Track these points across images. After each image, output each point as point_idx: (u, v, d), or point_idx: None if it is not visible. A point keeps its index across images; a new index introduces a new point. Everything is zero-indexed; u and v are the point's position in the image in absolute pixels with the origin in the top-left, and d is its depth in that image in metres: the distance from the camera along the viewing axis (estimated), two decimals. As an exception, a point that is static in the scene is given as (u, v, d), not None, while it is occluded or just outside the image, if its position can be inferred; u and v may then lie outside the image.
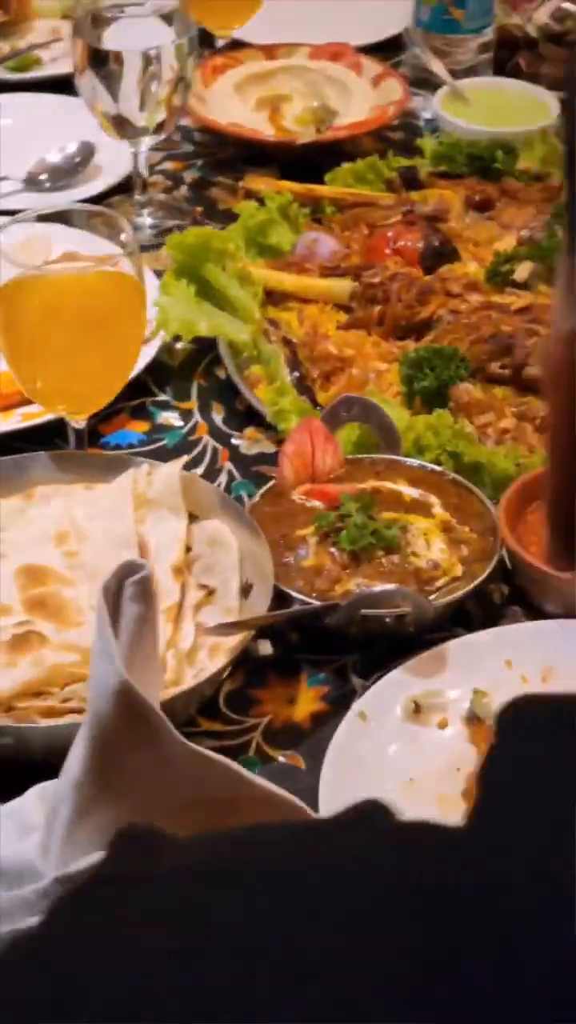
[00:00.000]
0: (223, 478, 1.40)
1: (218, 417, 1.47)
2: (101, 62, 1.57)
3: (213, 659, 1.17)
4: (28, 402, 1.40)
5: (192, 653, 1.17)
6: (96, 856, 0.82)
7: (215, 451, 1.43)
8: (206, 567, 1.23)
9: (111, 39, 1.58)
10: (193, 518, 1.26)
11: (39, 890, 0.87)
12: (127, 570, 0.90)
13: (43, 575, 1.20)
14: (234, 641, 1.15)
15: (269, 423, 1.42)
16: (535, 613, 1.25)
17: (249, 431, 1.44)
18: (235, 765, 0.89)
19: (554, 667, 1.17)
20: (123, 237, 1.28)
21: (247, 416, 1.46)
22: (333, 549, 1.22)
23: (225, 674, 1.15)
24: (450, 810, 1.07)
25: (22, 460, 1.31)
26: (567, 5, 1.99)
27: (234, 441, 1.44)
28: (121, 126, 1.60)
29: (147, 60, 1.56)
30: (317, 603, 1.18)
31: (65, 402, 1.33)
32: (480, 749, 1.12)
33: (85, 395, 1.34)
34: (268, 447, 1.42)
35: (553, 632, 1.20)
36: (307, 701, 1.19)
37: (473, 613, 1.25)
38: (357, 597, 1.17)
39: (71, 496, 1.29)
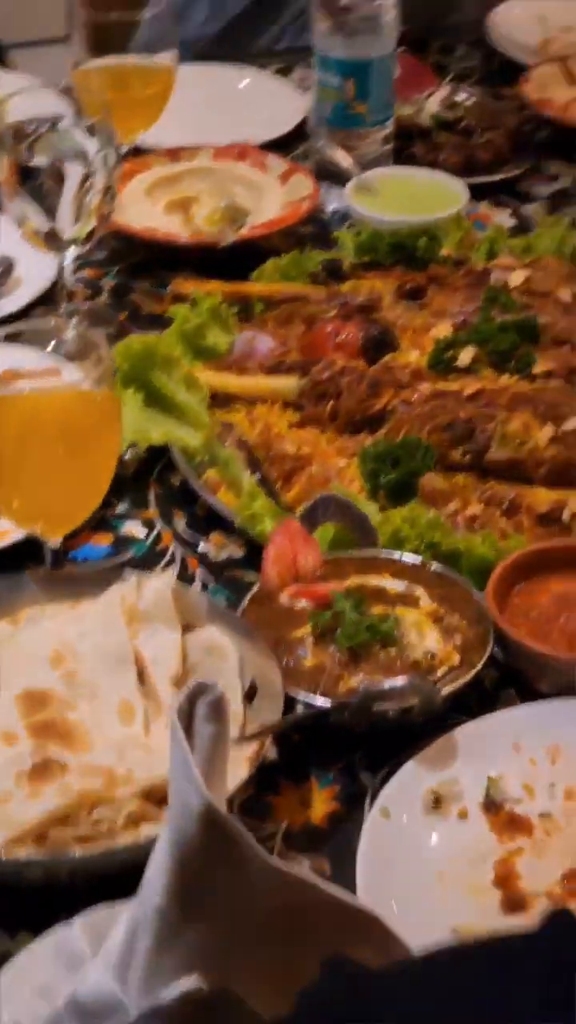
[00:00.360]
0: (196, 586, 1.40)
1: (180, 524, 1.48)
2: (30, 178, 1.58)
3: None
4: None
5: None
6: (185, 983, 0.82)
7: (184, 560, 1.44)
8: (205, 673, 1.23)
9: (38, 154, 1.59)
10: (186, 628, 1.27)
11: (127, 1024, 0.87)
12: (199, 690, 0.90)
13: (44, 699, 1.20)
14: (251, 750, 1.16)
15: (233, 526, 1.43)
16: (529, 694, 1.28)
17: (215, 536, 1.46)
18: (311, 876, 0.89)
19: (560, 746, 1.21)
20: (101, 353, 1.29)
21: (209, 521, 1.47)
22: (331, 648, 1.24)
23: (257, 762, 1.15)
24: (483, 900, 1.10)
25: (4, 583, 1.31)
26: (458, 96, 2.06)
27: (201, 548, 1.45)
28: (51, 239, 1.61)
29: (77, 173, 1.57)
30: (328, 703, 1.19)
31: (43, 521, 1.33)
32: (501, 837, 1.14)
33: (64, 513, 1.34)
34: (236, 551, 1.44)
35: (555, 712, 1.24)
36: (321, 802, 1.20)
37: (469, 698, 1.25)
38: (367, 693, 1.19)
39: (58, 616, 1.29)
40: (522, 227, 1.92)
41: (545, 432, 1.44)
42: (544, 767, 1.20)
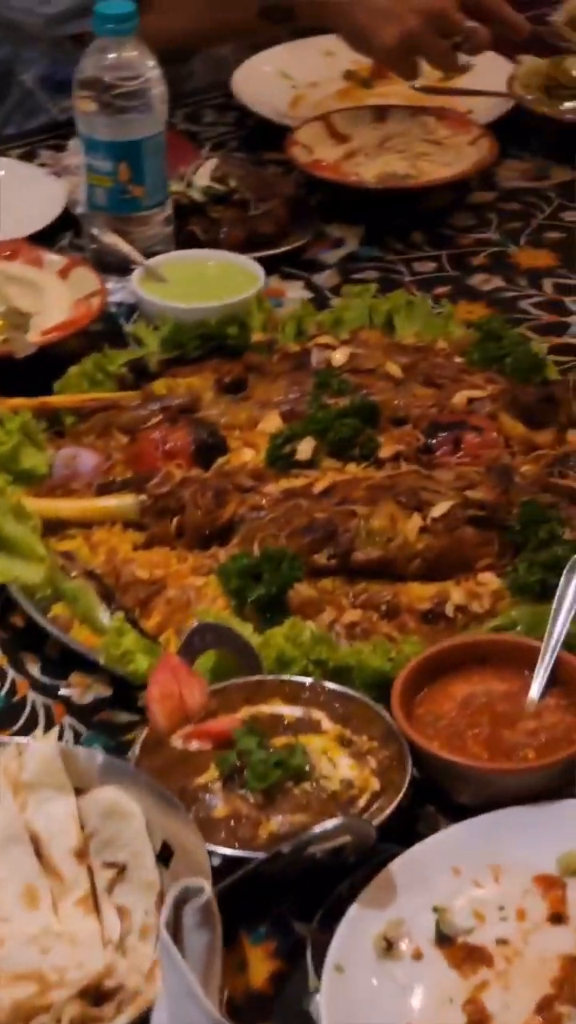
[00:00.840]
0: (68, 736, 1.32)
1: (34, 669, 1.39)
2: None
3: (143, 941, 1.10)
4: None
5: (121, 942, 1.10)
6: None
7: (47, 708, 1.35)
8: (105, 842, 1.16)
9: None
10: (79, 792, 1.18)
11: None
12: (184, 896, 0.84)
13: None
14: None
15: (93, 664, 1.35)
16: (447, 808, 1.23)
17: (75, 678, 1.38)
18: None
19: (500, 864, 1.17)
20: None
21: (65, 662, 1.39)
22: (242, 791, 1.17)
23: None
24: None
25: None
26: (232, 164, 2.02)
27: (63, 692, 1.37)
28: None
29: None
30: (255, 855, 1.11)
31: None
32: (462, 972, 1.10)
33: None
34: (103, 691, 1.37)
35: (489, 828, 1.19)
36: (258, 962, 1.13)
37: (392, 822, 1.18)
38: (300, 841, 1.12)
39: None
40: (319, 299, 1.88)
41: (413, 523, 1.41)
42: (490, 888, 1.15)
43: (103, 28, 1.82)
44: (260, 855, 1.12)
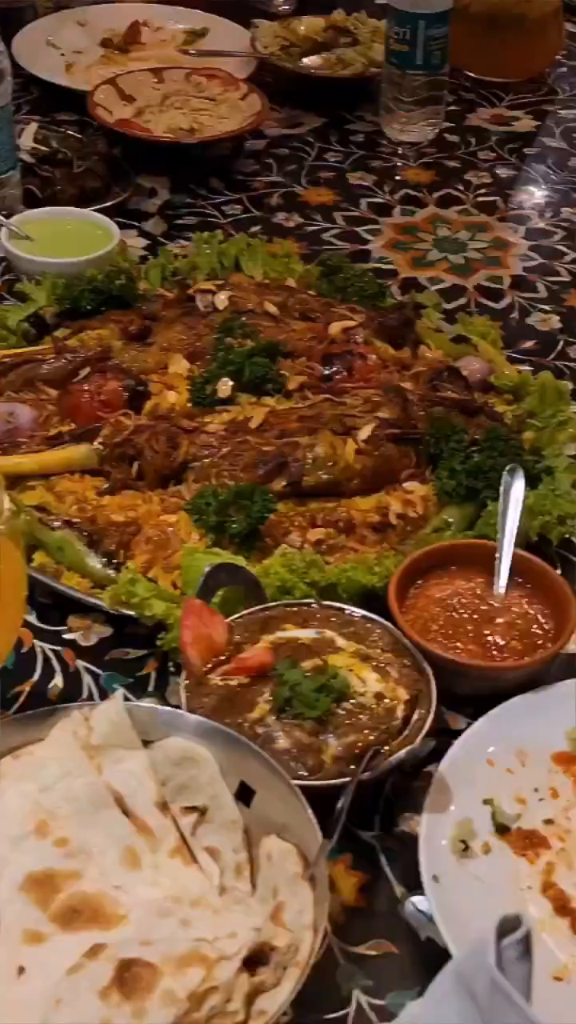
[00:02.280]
0: (86, 679, 1.04)
1: (31, 618, 1.08)
2: None
3: (239, 879, 0.85)
4: None
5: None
6: None
7: (57, 654, 1.06)
8: (180, 789, 0.90)
9: None
10: (146, 743, 0.91)
11: None
12: (503, 929, 0.60)
13: (50, 881, 0.83)
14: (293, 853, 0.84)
15: (84, 606, 1.08)
16: (458, 706, 1.02)
17: (73, 621, 1.09)
18: None
19: (522, 747, 0.98)
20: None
21: (58, 608, 1.10)
22: (294, 721, 0.92)
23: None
24: (557, 933, 0.86)
25: None
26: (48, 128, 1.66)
27: (69, 636, 1.08)
28: None
29: None
30: (338, 782, 0.88)
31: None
32: (528, 858, 0.90)
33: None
34: (103, 630, 1.09)
35: (503, 718, 0.98)
36: (344, 877, 0.91)
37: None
38: (379, 769, 0.90)
39: (10, 773, 0.88)
40: (153, 245, 1.58)
41: (350, 447, 1.17)
42: (520, 773, 0.97)
43: None
44: (343, 780, 0.89)
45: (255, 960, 0.78)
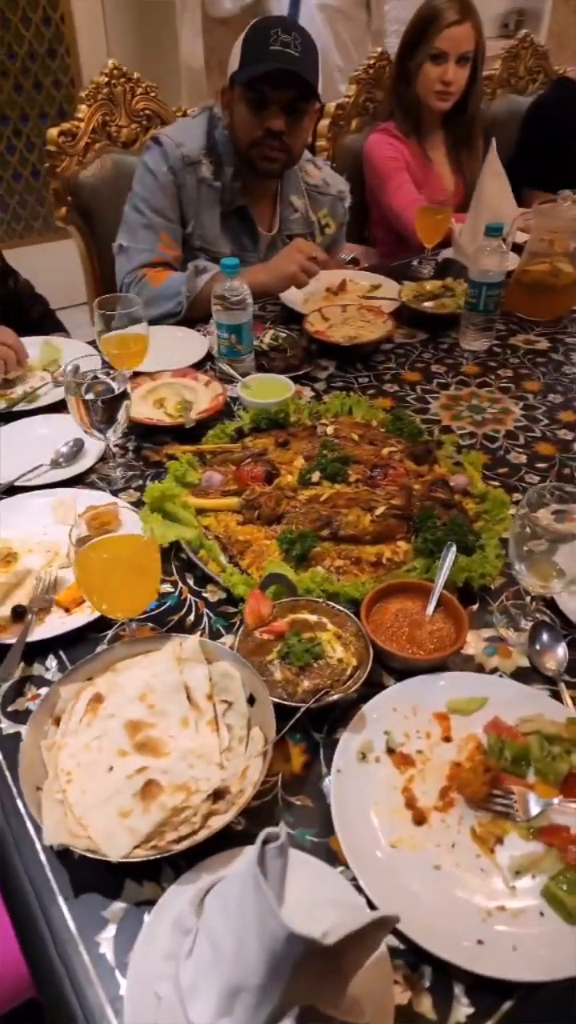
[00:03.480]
0: (205, 619, 0.99)
1: (190, 582, 1.05)
2: (89, 406, 1.12)
3: (240, 744, 0.78)
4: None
5: (229, 745, 0.79)
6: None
7: (195, 603, 1.02)
8: (223, 689, 0.84)
9: (89, 393, 1.13)
10: (209, 662, 0.86)
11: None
12: (267, 837, 0.51)
13: (138, 726, 0.80)
14: (261, 745, 0.76)
15: (220, 582, 1.01)
16: (388, 671, 0.90)
17: (210, 588, 1.04)
18: (343, 932, 0.50)
19: (418, 705, 0.85)
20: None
21: (205, 579, 1.05)
22: (289, 665, 0.85)
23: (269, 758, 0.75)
24: (402, 819, 0.75)
25: (109, 649, 0.87)
26: (280, 332, 1.61)
27: (204, 595, 1.03)
28: (100, 431, 1.16)
29: (114, 402, 1.12)
30: (300, 705, 0.80)
31: (122, 613, 0.89)
32: (400, 770, 0.78)
33: (135, 608, 0.91)
34: (222, 595, 1.02)
35: (410, 686, 0.86)
36: (296, 756, 0.82)
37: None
38: (321, 699, 0.80)
39: (139, 664, 0.86)
40: (317, 396, 1.49)
41: (366, 518, 1.06)
42: (411, 720, 0.84)
43: (225, 271, 1.41)
44: (301, 704, 0.80)
45: (218, 795, 0.72)
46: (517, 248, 1.92)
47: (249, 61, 1.57)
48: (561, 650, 0.90)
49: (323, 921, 0.51)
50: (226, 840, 0.70)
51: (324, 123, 2.52)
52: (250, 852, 0.50)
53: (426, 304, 1.77)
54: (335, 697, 0.81)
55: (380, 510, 1.06)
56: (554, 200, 1.76)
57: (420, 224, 1.95)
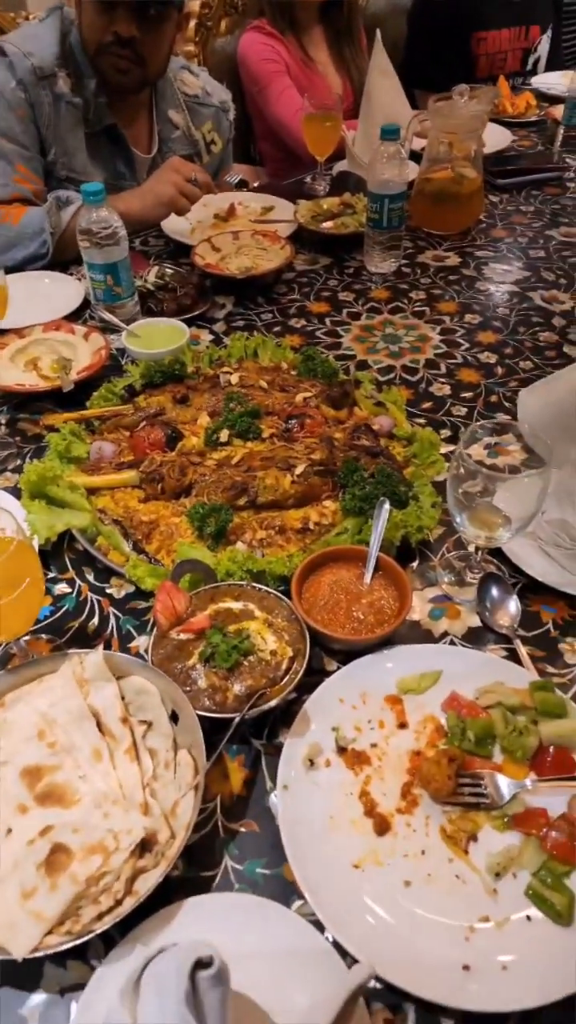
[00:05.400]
0: (111, 619, 0.84)
1: (90, 577, 0.88)
2: None
3: (167, 770, 0.65)
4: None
5: (153, 772, 0.65)
6: None
7: (98, 602, 0.86)
8: (139, 707, 0.70)
9: None
10: (119, 678, 0.71)
11: None
12: (198, 963, 0.38)
13: (38, 771, 0.65)
14: (191, 775, 0.63)
15: (123, 574, 0.86)
16: (332, 655, 0.78)
17: (115, 582, 0.88)
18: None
19: (365, 690, 0.73)
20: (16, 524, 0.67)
21: (108, 572, 0.88)
22: (214, 668, 0.71)
23: (201, 790, 0.62)
24: (363, 831, 0.64)
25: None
26: (166, 267, 1.39)
27: (108, 591, 0.87)
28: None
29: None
30: (230, 716, 0.67)
31: (4, 636, 0.72)
32: (354, 772, 0.67)
33: (20, 627, 0.73)
34: (130, 588, 0.87)
35: (355, 669, 0.74)
36: (235, 772, 0.69)
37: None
38: (257, 709, 0.67)
39: (30, 693, 0.70)
40: (217, 340, 1.30)
41: (286, 479, 0.91)
42: (361, 709, 0.72)
43: (88, 199, 1.17)
44: (233, 715, 0.67)
45: (145, 846, 0.59)
46: (415, 157, 1.75)
47: None
48: (513, 604, 0.80)
49: (292, 1012, 0.40)
50: (165, 892, 0.58)
51: (190, 26, 2.21)
52: (178, 968, 0.38)
53: (325, 224, 1.58)
54: (273, 703, 0.68)
55: (300, 468, 0.91)
56: (449, 98, 1.59)
57: (308, 133, 1.73)
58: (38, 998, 0.56)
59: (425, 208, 1.60)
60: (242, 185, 1.84)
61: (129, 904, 0.55)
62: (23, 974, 0.57)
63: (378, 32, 1.76)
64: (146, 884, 0.56)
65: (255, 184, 1.92)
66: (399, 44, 2.53)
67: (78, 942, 0.53)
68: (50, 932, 0.54)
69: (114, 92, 1.50)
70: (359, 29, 2.15)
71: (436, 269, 1.50)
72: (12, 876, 0.57)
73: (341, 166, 1.86)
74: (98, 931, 0.53)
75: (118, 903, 0.55)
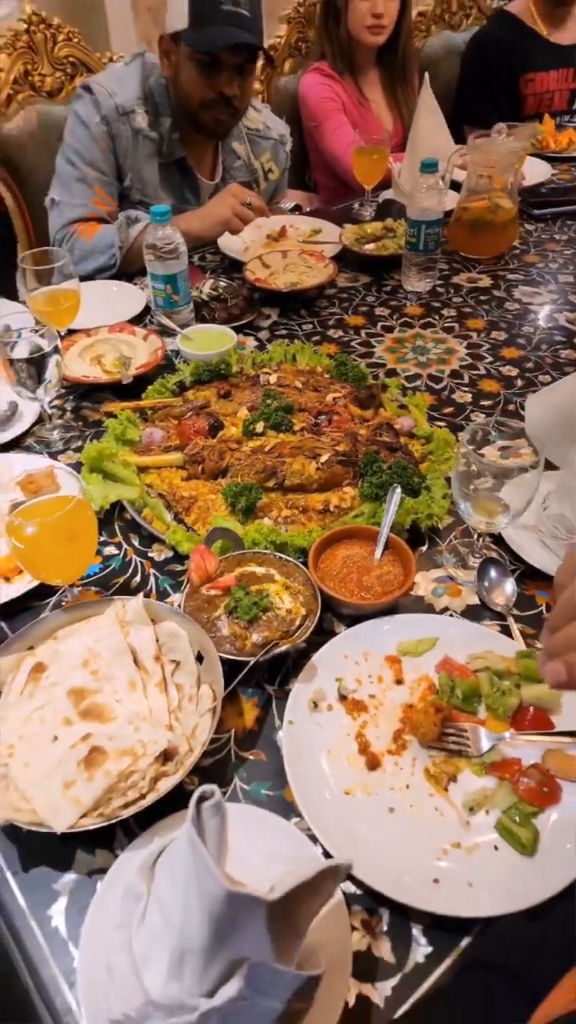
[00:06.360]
0: (151, 579, 0.93)
1: (135, 542, 0.98)
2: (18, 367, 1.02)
3: (190, 703, 0.73)
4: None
5: (179, 704, 0.74)
6: (231, 988, 0.40)
7: (141, 564, 0.95)
8: (170, 649, 0.78)
9: (17, 351, 1.03)
10: (155, 622, 0.80)
11: (194, 1020, 0.43)
12: (201, 796, 0.46)
13: (83, 692, 0.74)
14: (210, 702, 0.71)
15: (165, 541, 0.95)
16: (338, 617, 0.85)
17: (156, 547, 0.97)
18: (288, 884, 0.46)
19: (368, 650, 0.81)
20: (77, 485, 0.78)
21: (151, 538, 0.98)
22: (237, 620, 0.79)
23: (217, 714, 0.71)
24: (356, 765, 0.71)
25: (48, 616, 0.81)
26: (220, 281, 1.50)
27: (150, 555, 0.96)
28: (30, 391, 1.06)
29: (43, 360, 1.02)
30: (248, 659, 0.75)
31: (60, 579, 0.82)
32: (352, 717, 0.74)
33: (72, 575, 0.84)
34: (168, 553, 0.96)
35: (360, 631, 0.82)
36: (249, 710, 0.77)
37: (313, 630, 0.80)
38: (269, 652, 0.75)
39: (80, 630, 0.80)
40: (261, 346, 1.40)
41: (312, 466, 0.99)
42: (363, 666, 0.79)
43: (155, 219, 1.29)
44: (249, 659, 0.75)
45: (167, 756, 0.67)
46: (456, 186, 1.83)
47: (199, 22, 1.43)
48: (509, 585, 0.86)
49: (273, 877, 0.47)
50: (180, 801, 0.65)
51: (257, 65, 2.35)
52: (187, 834, 0.46)
53: (367, 246, 1.67)
54: (284, 648, 0.76)
55: (325, 457, 1.00)
56: (488, 135, 1.67)
57: (357, 165, 1.84)
58: (69, 876, 0.64)
59: (462, 234, 1.68)
60: (296, 209, 1.95)
61: (151, 798, 0.63)
62: (59, 856, 0.65)
63: (427, 75, 1.86)
64: (166, 784, 0.64)
65: (307, 209, 2.03)
66: (452, 84, 2.64)
67: (106, 823, 0.62)
68: (85, 815, 0.63)
69: (207, 137, 1.63)
70: (412, 73, 2.25)
71: (468, 290, 1.57)
72: (56, 771, 0.66)
73: (387, 194, 1.96)
74: (123, 816, 0.62)
75: (142, 797, 0.64)
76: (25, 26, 1.88)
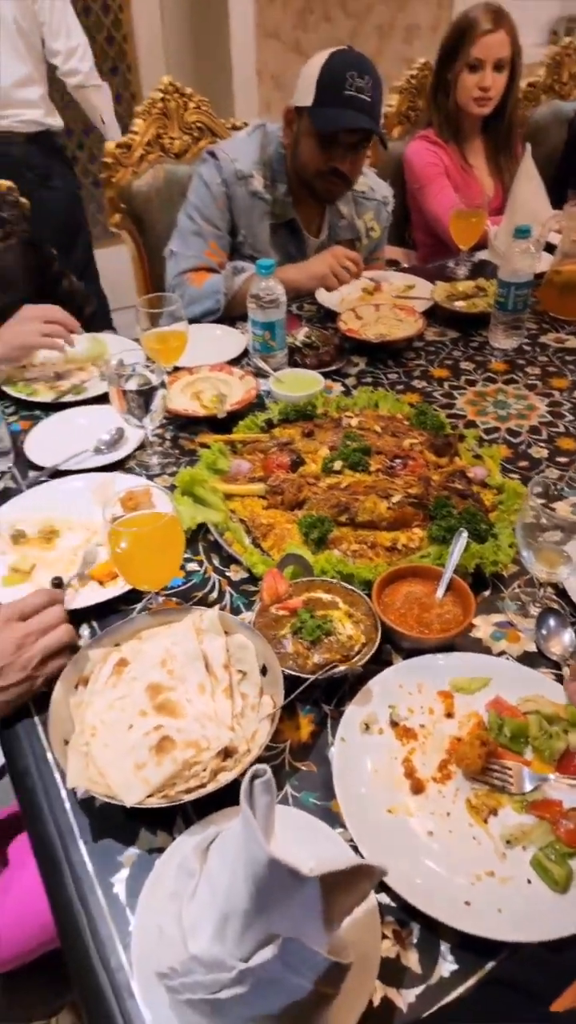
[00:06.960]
0: (227, 596, 1.02)
1: (215, 561, 1.07)
2: (128, 395, 1.16)
3: (253, 711, 0.80)
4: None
5: (241, 712, 0.81)
6: (266, 952, 0.46)
7: (219, 581, 1.04)
8: (238, 660, 0.86)
9: (129, 384, 1.16)
10: (227, 633, 0.88)
11: (231, 977, 0.49)
12: (255, 774, 0.53)
13: (159, 688, 0.82)
14: (269, 705, 0.78)
15: (242, 563, 1.04)
16: (397, 650, 0.90)
17: (233, 568, 1.06)
18: (329, 867, 0.51)
19: (422, 682, 0.85)
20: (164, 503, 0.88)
21: (230, 559, 1.07)
22: (301, 639, 0.86)
23: (276, 722, 0.78)
24: (401, 788, 0.76)
25: (135, 618, 0.91)
26: (314, 329, 1.61)
27: (228, 573, 1.05)
28: (138, 419, 1.19)
29: (150, 392, 1.15)
30: (309, 677, 0.82)
31: (148, 585, 0.93)
32: (402, 742, 0.78)
33: (160, 581, 0.94)
34: (244, 575, 1.05)
35: (416, 664, 0.87)
36: (306, 725, 0.83)
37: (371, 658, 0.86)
38: (328, 672, 0.82)
39: (161, 633, 0.89)
40: (347, 391, 1.49)
41: (383, 505, 1.06)
42: (416, 696, 0.84)
43: (260, 271, 1.43)
44: (309, 676, 0.82)
45: (227, 753, 0.74)
46: (552, 248, 1.88)
47: (324, 101, 1.57)
48: (568, 636, 0.89)
49: (313, 870, 0.53)
50: (235, 796, 0.72)
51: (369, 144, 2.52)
52: (243, 818, 0.52)
53: (458, 303, 1.76)
54: (342, 670, 0.82)
55: (397, 497, 1.06)
56: (584, 201, 1.72)
57: (455, 226, 1.93)
58: (133, 851, 0.72)
59: (553, 296, 1.73)
60: (392, 264, 2.06)
61: (211, 787, 0.70)
62: (125, 832, 0.73)
63: (528, 145, 1.95)
64: (225, 777, 0.72)
65: (405, 265, 2.14)
66: (558, 149, 2.71)
67: (169, 805, 0.69)
68: (151, 795, 0.70)
69: (318, 201, 1.79)
70: (516, 142, 2.34)
71: (555, 349, 1.61)
72: (130, 754, 0.74)
73: (483, 255, 2.04)
74: (184, 800, 0.69)
75: (202, 785, 0.71)
76: (161, 95, 2.12)
